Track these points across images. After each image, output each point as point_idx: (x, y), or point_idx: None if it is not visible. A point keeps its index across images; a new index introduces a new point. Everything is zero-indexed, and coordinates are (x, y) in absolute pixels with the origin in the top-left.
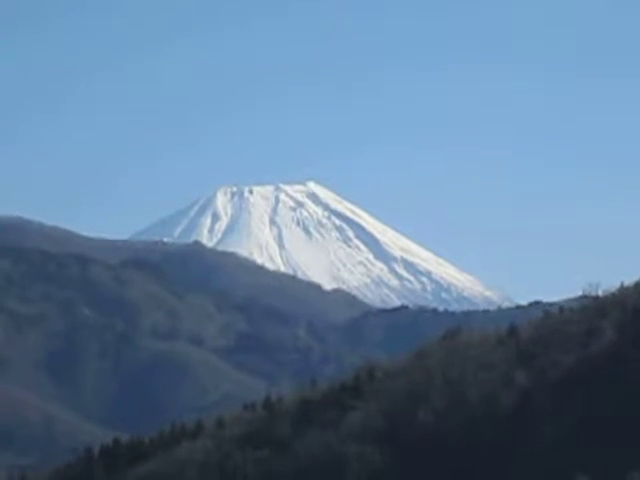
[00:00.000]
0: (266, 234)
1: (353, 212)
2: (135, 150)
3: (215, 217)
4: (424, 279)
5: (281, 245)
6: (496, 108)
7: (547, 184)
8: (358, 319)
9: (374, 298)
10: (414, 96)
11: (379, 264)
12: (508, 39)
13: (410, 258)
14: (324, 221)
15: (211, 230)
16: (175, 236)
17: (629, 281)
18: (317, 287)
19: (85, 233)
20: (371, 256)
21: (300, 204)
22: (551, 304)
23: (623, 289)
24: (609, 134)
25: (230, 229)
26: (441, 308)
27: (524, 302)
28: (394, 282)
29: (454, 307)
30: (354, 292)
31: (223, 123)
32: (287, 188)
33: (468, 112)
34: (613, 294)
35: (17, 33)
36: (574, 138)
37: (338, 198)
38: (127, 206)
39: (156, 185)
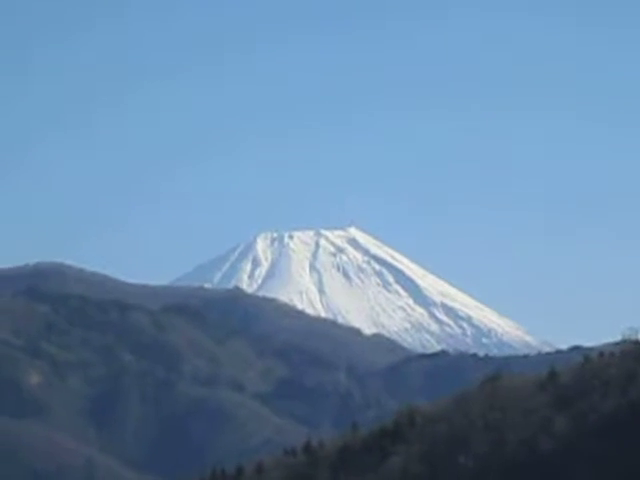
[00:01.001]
0: (306, 279)
1: (393, 257)
2: (174, 195)
3: (255, 262)
4: (464, 324)
5: (321, 290)
6: (529, 153)
7: (582, 230)
8: (398, 364)
9: (414, 343)
10: (451, 141)
11: (419, 309)
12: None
13: (450, 303)
14: (364, 266)
15: (251, 276)
16: (215, 282)
17: None
18: (357, 332)
19: (125, 279)
20: (411, 301)
21: (340, 249)
22: (591, 349)
23: None
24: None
25: (270, 274)
26: (481, 353)
27: (564, 347)
28: (434, 327)
29: (494, 352)
30: (394, 337)
31: (263, 168)
32: (327, 233)
33: (506, 157)
34: None
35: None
36: (603, 182)
37: (378, 243)
38: (167, 252)
39: (196, 230)
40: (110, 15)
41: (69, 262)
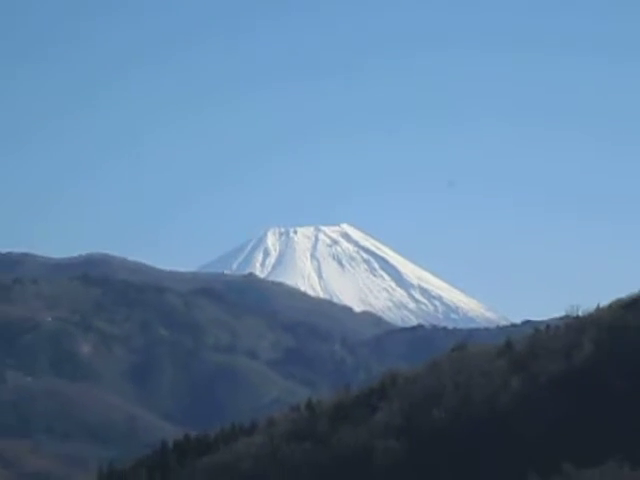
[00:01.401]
0: (307, 266)
1: (378, 248)
2: (201, 199)
3: (266, 253)
4: (436, 302)
5: (320, 275)
6: (497, 163)
7: (537, 227)
8: (382, 336)
9: (395, 318)
10: (424, 153)
11: (399, 290)
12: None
13: (425, 285)
14: (354, 255)
15: (263, 264)
16: (234, 269)
17: (604, 302)
18: (349, 310)
19: (160, 266)
20: (393, 284)
21: (335, 242)
22: (540, 322)
23: (599, 310)
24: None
25: (278, 263)
26: (450, 326)
27: (518, 321)
28: (412, 305)
29: (461, 326)
30: (379, 314)
31: (274, 174)
32: (325, 229)
33: (475, 166)
34: (591, 314)
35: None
36: (561, 186)
37: (366, 237)
38: (195, 244)
39: (218, 226)
40: None
41: (114, 253)
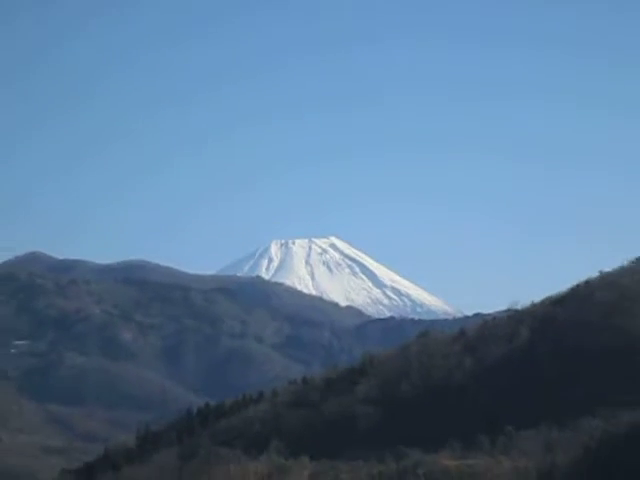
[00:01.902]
0: (303, 270)
1: (359, 256)
2: (220, 213)
3: (270, 260)
4: (405, 299)
5: (312, 278)
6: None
7: (486, 235)
8: (362, 325)
9: (373, 312)
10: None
11: (376, 289)
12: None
13: (396, 285)
14: (340, 262)
15: (267, 268)
16: (244, 272)
17: (538, 299)
18: (336, 305)
19: (186, 270)
20: (370, 284)
21: (325, 251)
22: (487, 314)
23: (534, 304)
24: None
25: (280, 267)
26: (416, 318)
27: (470, 313)
28: (386, 301)
29: (424, 317)
30: (360, 308)
31: (277, 195)
32: (317, 240)
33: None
34: (527, 308)
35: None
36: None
37: (349, 247)
38: (214, 251)
39: (233, 237)
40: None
41: (149, 259)
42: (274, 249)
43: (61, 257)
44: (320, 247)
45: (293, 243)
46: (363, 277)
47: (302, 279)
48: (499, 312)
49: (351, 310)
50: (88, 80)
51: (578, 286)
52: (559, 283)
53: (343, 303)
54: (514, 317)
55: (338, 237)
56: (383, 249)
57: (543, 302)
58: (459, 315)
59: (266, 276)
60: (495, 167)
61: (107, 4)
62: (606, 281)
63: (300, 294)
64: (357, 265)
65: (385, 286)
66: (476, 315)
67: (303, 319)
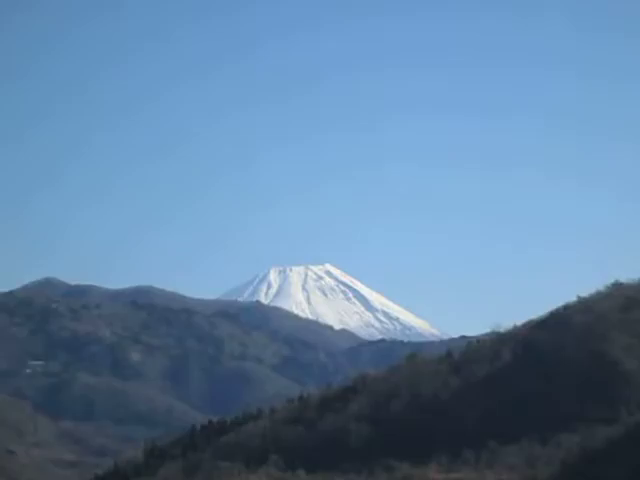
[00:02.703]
0: (300, 296)
1: (352, 282)
2: (221, 243)
3: (269, 285)
4: (395, 322)
5: (309, 302)
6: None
7: (470, 260)
8: (355, 347)
9: (365, 334)
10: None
11: (368, 313)
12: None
13: (386, 310)
14: (334, 287)
15: (266, 294)
16: (245, 296)
17: (520, 322)
18: (330, 328)
19: (190, 295)
20: (363, 309)
21: (320, 277)
22: (472, 337)
23: (515, 327)
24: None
25: (278, 293)
26: (405, 340)
27: (455, 336)
28: (377, 324)
29: (413, 340)
30: (353, 331)
31: (275, 226)
32: (313, 267)
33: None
34: (509, 330)
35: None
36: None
37: (343, 273)
38: (216, 278)
39: (234, 265)
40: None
41: (157, 285)
42: (273, 275)
43: (74, 283)
44: (316, 273)
45: (290, 270)
46: (356, 302)
47: (299, 304)
48: (483, 335)
49: (345, 333)
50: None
51: (557, 310)
52: (539, 307)
53: (337, 326)
54: (497, 339)
55: (333, 264)
56: (374, 275)
57: (524, 325)
58: (445, 337)
59: (265, 301)
60: (481, 191)
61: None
62: (584, 305)
63: (297, 318)
64: (350, 290)
65: (376, 310)
66: (461, 337)
67: (300, 341)
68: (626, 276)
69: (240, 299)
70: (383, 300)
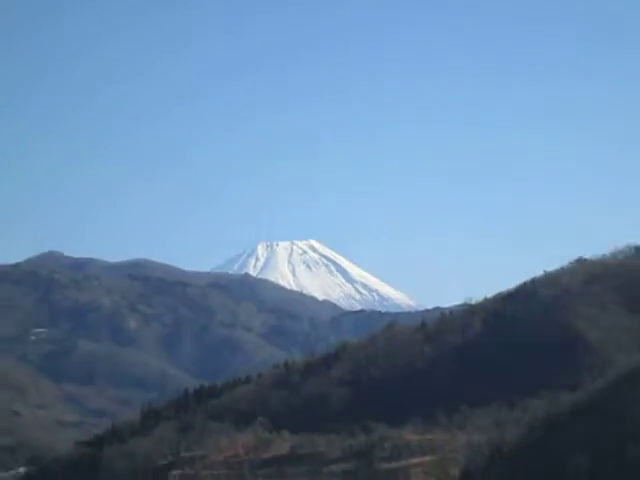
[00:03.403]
0: (286, 268)
1: (334, 256)
2: (214, 219)
3: (257, 259)
4: (374, 294)
5: (294, 275)
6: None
7: (445, 237)
8: (337, 317)
9: (346, 305)
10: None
11: (348, 285)
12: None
13: (366, 282)
14: (318, 261)
15: (255, 267)
16: (235, 269)
17: (489, 294)
18: (314, 299)
19: (184, 267)
20: (344, 281)
21: (305, 252)
22: (445, 308)
23: (486, 300)
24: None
25: (265, 265)
26: (383, 311)
27: (430, 307)
28: (357, 296)
29: (391, 310)
30: (335, 301)
31: (264, 205)
32: (298, 242)
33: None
34: (480, 302)
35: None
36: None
37: (326, 248)
38: (209, 252)
39: (225, 240)
40: None
41: (153, 258)
42: (260, 250)
43: (76, 256)
44: (301, 248)
45: (277, 245)
46: (338, 275)
47: (285, 276)
48: (456, 306)
49: (327, 304)
50: (94, 85)
51: (525, 284)
52: (508, 281)
53: (320, 297)
54: (468, 311)
55: (317, 240)
56: (354, 249)
57: (494, 297)
58: (420, 308)
59: (253, 273)
60: (456, 179)
61: None
62: (549, 279)
63: (283, 289)
64: (332, 264)
65: (356, 282)
66: (435, 308)
67: (285, 311)
68: (589, 252)
69: (230, 272)
70: (362, 273)
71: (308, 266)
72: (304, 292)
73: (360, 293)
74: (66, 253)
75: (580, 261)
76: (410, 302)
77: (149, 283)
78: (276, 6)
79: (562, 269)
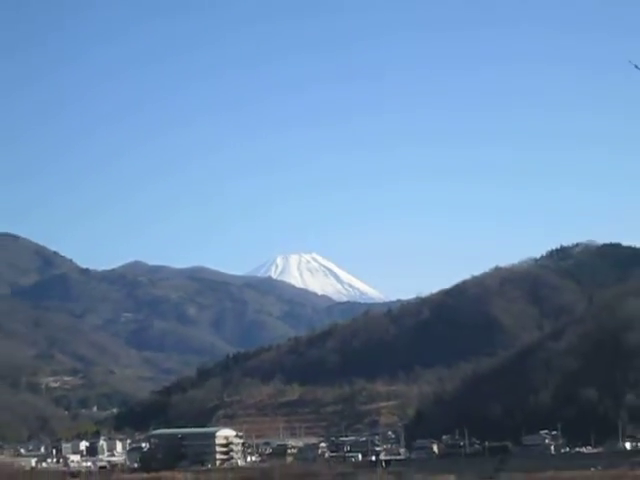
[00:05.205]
0: (296, 273)
1: (329, 265)
2: (247, 234)
3: (276, 266)
4: (356, 291)
5: (302, 278)
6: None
7: (407, 237)
8: (331, 306)
9: (337, 298)
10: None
11: (339, 285)
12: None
13: (350, 282)
14: (318, 268)
15: (275, 272)
16: (261, 273)
17: (435, 289)
18: (316, 294)
19: (226, 271)
20: (335, 282)
21: (309, 262)
22: (404, 300)
23: (432, 294)
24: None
25: (282, 272)
26: (362, 302)
27: (394, 299)
28: (344, 292)
29: (367, 301)
30: (329, 296)
31: (282, 224)
32: (304, 255)
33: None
34: (428, 296)
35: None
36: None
37: (323, 259)
38: (243, 261)
39: (255, 252)
40: None
41: (208, 265)
42: (279, 260)
43: (152, 263)
44: (306, 259)
45: (290, 257)
46: (331, 277)
47: (295, 279)
48: (411, 298)
49: (324, 297)
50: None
51: (458, 284)
52: (448, 280)
53: (319, 293)
54: (420, 302)
55: (317, 253)
56: (344, 260)
57: (437, 293)
58: (387, 300)
59: (274, 276)
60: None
61: None
62: (476, 281)
63: (294, 287)
64: (328, 270)
65: (344, 282)
66: (397, 300)
67: (296, 302)
68: (504, 262)
69: (258, 275)
70: (348, 276)
71: (311, 272)
72: (308, 289)
73: (346, 289)
74: (145, 261)
75: (497, 268)
76: (380, 295)
77: (203, 283)
78: (279, 10)
79: (485, 273)
